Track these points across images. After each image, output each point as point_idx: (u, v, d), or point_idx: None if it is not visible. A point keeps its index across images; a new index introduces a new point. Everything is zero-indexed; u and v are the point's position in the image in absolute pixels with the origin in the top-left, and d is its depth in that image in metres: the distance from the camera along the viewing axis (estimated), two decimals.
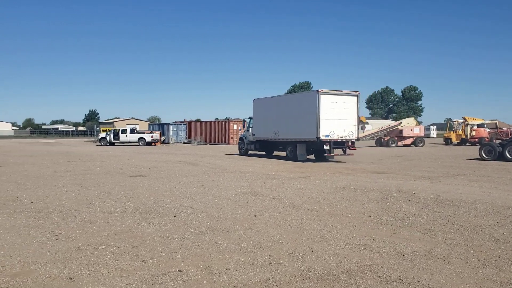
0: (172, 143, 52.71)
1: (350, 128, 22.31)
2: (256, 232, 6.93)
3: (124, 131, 46.07)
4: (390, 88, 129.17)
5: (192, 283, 4.74)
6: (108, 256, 5.66)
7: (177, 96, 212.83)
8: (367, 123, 47.00)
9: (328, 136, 21.77)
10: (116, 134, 45.55)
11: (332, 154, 22.06)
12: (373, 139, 45.49)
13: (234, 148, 37.35)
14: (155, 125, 66.20)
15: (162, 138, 50.54)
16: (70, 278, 4.85)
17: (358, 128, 23.39)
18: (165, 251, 5.92)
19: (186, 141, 54.42)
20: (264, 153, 27.87)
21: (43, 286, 4.63)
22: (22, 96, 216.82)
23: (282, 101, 26.17)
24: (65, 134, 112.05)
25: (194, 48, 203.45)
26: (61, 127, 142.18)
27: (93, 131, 74.48)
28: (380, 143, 42.41)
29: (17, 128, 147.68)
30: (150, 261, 5.48)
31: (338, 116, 21.92)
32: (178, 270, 5.11)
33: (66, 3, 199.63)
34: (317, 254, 5.76)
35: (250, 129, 28.30)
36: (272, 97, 26.85)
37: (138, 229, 7.17)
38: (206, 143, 51.49)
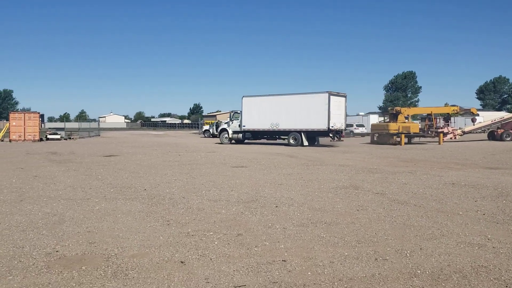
0: None
1: (342, 121, 29.99)
2: (360, 227, 6.78)
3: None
4: (504, 77, 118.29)
5: (297, 273, 4.77)
6: (216, 243, 5.91)
7: (272, 89, 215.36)
8: (477, 115, 43.53)
9: (333, 127, 28.79)
10: (218, 127, 47.34)
11: (334, 140, 29.63)
12: (485, 132, 42.15)
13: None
14: None
15: None
16: (182, 262, 5.14)
17: (345, 121, 31.08)
18: (268, 240, 6.03)
19: None
20: (235, 142, 33.22)
21: (157, 268, 4.96)
22: (134, 91, 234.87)
23: (287, 99, 31.14)
24: (171, 126, 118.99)
25: (290, 43, 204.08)
26: (168, 120, 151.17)
27: (197, 124, 78.05)
28: (493, 136, 39.15)
29: (129, 121, 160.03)
30: (255, 249, 5.61)
31: (337, 112, 29.15)
32: (282, 260, 5.18)
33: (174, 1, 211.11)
34: (426, 252, 5.49)
35: (235, 121, 33.19)
36: (270, 95, 32.27)
37: (242, 218, 7.39)
38: None
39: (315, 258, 5.27)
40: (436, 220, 7.26)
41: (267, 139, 32.68)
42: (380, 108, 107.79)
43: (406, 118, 35.27)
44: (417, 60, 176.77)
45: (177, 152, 23.17)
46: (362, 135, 51.52)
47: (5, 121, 66.16)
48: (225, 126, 34.38)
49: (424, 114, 38.90)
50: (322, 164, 16.58)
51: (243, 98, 32.62)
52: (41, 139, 37.77)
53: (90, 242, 5.92)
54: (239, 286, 4.42)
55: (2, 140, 37.23)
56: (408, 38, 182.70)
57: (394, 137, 32.33)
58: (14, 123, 37.12)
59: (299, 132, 29.74)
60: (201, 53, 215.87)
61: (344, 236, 6.26)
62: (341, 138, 30.31)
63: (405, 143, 32.38)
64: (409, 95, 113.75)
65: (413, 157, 20.35)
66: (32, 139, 36.80)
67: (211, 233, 6.41)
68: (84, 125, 60.41)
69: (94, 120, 79.97)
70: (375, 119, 57.61)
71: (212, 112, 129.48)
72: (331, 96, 28.66)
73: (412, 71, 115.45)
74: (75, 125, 68.49)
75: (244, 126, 32.39)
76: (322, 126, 28.78)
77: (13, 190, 10.27)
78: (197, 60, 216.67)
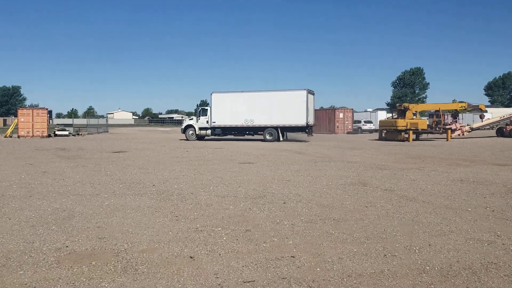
0: None
1: (312, 117, 31.90)
2: (368, 223, 6.77)
3: None
4: None
5: (306, 269, 4.77)
6: (224, 238, 5.93)
7: (275, 85, 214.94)
8: (486, 111, 43.09)
9: (309, 122, 30.62)
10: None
11: (312, 135, 32.05)
12: (493, 129, 41.81)
13: (341, 136, 37.34)
14: None
15: None
16: (191, 257, 5.16)
17: (314, 118, 33.18)
18: (277, 236, 6.03)
19: None
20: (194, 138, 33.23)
21: (167, 263, 4.98)
22: (141, 88, 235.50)
23: (263, 95, 31.87)
24: (179, 122, 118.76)
25: (297, 39, 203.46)
26: (175, 116, 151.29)
27: None
28: (501, 133, 38.80)
29: (137, 117, 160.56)
30: (263, 245, 5.62)
31: (310, 108, 31.06)
32: (291, 256, 5.18)
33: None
34: (435, 248, 5.47)
35: (202, 117, 32.86)
36: (244, 91, 32.54)
37: (250, 214, 7.40)
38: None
39: (324, 254, 5.27)
40: (445, 216, 7.23)
41: (234, 135, 33.05)
42: (388, 104, 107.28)
43: (414, 114, 35.06)
44: (425, 56, 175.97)
45: (185, 148, 23.24)
46: (370, 131, 51.41)
47: (13, 117, 66.57)
48: (191, 122, 33.86)
49: (432, 111, 38.64)
50: (330, 161, 16.55)
51: (212, 94, 32.41)
52: (49, 135, 38.02)
53: (99, 238, 5.97)
54: (248, 282, 4.43)
55: (11, 136, 37.51)
56: (416, 34, 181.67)
57: (402, 133, 32.18)
58: (22, 119, 37.37)
59: (276, 128, 30.99)
60: (207, 50, 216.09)
61: (352, 232, 6.25)
62: (312, 133, 32.53)
63: (413, 140, 32.22)
64: (417, 92, 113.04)
65: (421, 154, 20.25)
66: (40, 135, 37.05)
67: (220, 228, 6.43)
68: (92, 121, 60.62)
69: (102, 116, 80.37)
70: (383, 115, 57.26)
71: None
72: (308, 94, 30.55)
73: (420, 67, 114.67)
74: (83, 121, 68.86)
75: (214, 122, 32.29)
76: (300, 122, 30.54)
77: (23, 186, 10.36)
78: (203, 56, 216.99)
